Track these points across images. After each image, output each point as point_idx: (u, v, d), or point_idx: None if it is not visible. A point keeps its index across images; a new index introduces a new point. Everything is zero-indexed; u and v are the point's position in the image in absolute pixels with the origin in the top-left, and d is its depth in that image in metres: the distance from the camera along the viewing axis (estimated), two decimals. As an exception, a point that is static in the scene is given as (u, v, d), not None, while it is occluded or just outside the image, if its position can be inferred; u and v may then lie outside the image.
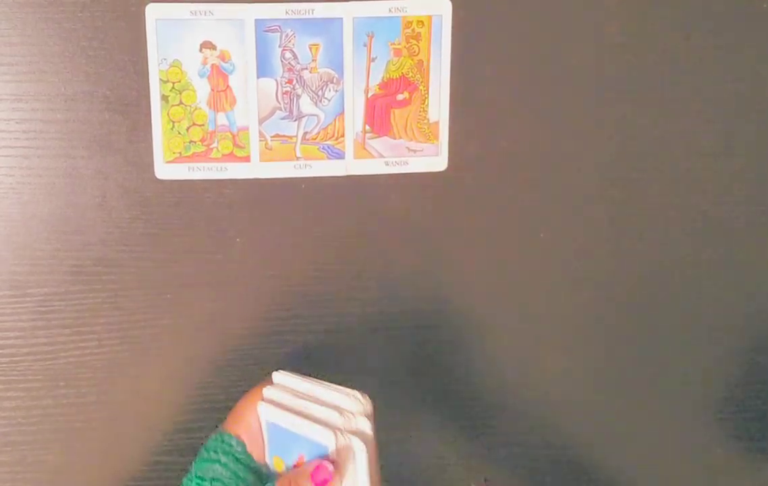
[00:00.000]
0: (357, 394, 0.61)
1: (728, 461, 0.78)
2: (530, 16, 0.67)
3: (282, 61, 0.65)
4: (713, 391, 0.76)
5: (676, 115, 0.70)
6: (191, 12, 0.64)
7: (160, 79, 0.64)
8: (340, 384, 0.73)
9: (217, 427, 0.63)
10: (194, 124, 0.65)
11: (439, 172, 0.69)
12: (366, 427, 0.60)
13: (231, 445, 0.61)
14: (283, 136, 0.66)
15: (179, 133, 0.65)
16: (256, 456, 0.61)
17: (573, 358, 0.75)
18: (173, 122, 0.65)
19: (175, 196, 0.68)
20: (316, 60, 0.65)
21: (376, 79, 0.66)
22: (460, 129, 0.68)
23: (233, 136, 0.66)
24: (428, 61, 0.66)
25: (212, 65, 0.65)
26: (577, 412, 0.76)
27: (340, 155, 0.67)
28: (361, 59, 0.65)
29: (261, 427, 0.61)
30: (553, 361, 0.74)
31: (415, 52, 0.65)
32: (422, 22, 0.65)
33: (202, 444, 0.62)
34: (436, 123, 0.67)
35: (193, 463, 0.62)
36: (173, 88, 0.65)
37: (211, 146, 0.66)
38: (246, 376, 0.71)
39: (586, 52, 0.68)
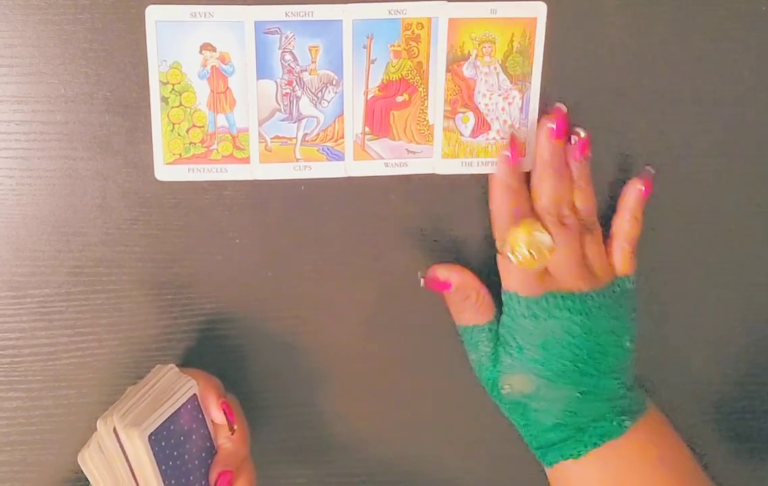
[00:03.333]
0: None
1: (728, 461, 0.78)
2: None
3: (282, 62, 0.65)
4: (713, 391, 0.76)
5: (676, 115, 0.70)
6: (191, 14, 0.64)
7: (160, 81, 0.64)
8: (339, 384, 0.73)
9: None
10: (194, 125, 0.66)
11: (439, 174, 0.69)
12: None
13: None
14: (283, 137, 0.66)
15: (179, 134, 0.65)
16: None
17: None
18: (173, 124, 0.65)
19: (175, 197, 0.68)
20: (315, 62, 0.65)
21: (376, 80, 0.66)
22: (460, 130, 0.68)
23: (233, 138, 0.66)
24: (427, 63, 0.66)
25: (212, 67, 0.65)
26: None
27: (339, 157, 0.67)
28: (361, 61, 0.65)
29: None
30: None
31: (414, 54, 0.65)
32: (422, 24, 0.65)
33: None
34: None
35: None
36: (173, 89, 0.65)
37: (211, 148, 0.66)
38: (246, 376, 0.71)
39: (585, 52, 0.68)
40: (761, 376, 0.76)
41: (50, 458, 0.71)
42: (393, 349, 0.73)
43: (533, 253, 0.63)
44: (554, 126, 0.66)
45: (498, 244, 0.67)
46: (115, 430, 0.60)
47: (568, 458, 0.66)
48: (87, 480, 0.62)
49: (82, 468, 0.62)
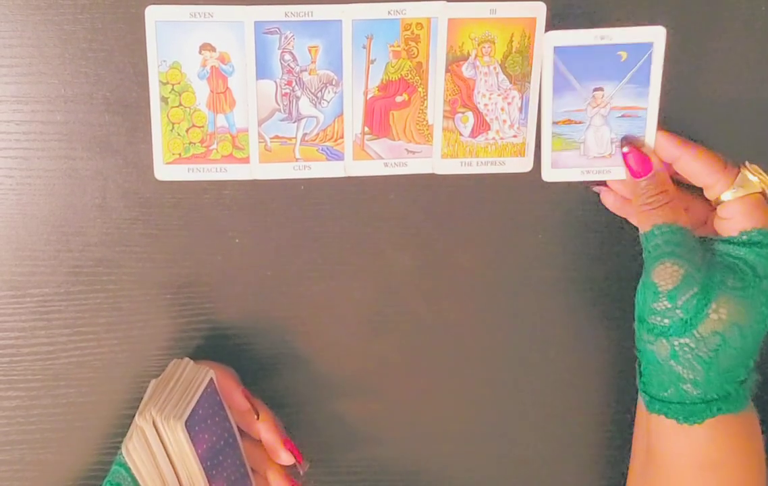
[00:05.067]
0: None
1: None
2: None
3: (281, 63, 0.65)
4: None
5: (676, 115, 0.70)
6: (191, 14, 0.64)
7: (160, 81, 0.64)
8: (339, 384, 0.73)
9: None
10: (194, 125, 0.66)
11: (438, 174, 0.69)
12: None
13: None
14: (283, 137, 0.66)
15: (179, 134, 0.65)
16: None
17: (572, 358, 0.75)
18: (173, 124, 0.65)
19: (175, 197, 0.68)
20: (315, 62, 0.65)
21: (375, 81, 0.66)
22: (459, 130, 0.68)
23: (232, 138, 0.66)
24: (427, 63, 0.66)
25: (212, 67, 0.65)
26: (576, 410, 0.76)
27: (339, 157, 0.67)
28: (361, 61, 0.65)
29: None
30: (552, 360, 0.75)
31: (414, 54, 0.66)
32: (421, 24, 0.65)
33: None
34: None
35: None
36: (173, 89, 0.65)
37: (211, 148, 0.66)
38: (245, 376, 0.71)
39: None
40: (761, 375, 0.76)
41: (49, 457, 0.71)
42: (393, 348, 0.73)
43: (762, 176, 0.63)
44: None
45: (725, 192, 0.63)
46: (154, 422, 0.62)
47: (731, 412, 0.62)
48: (96, 479, 0.63)
49: (126, 459, 0.63)
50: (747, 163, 0.63)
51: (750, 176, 0.63)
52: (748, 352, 0.62)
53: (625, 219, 0.70)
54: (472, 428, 0.75)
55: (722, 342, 0.61)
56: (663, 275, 0.61)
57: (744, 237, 0.62)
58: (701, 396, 0.62)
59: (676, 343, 0.61)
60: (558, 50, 0.65)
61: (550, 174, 0.68)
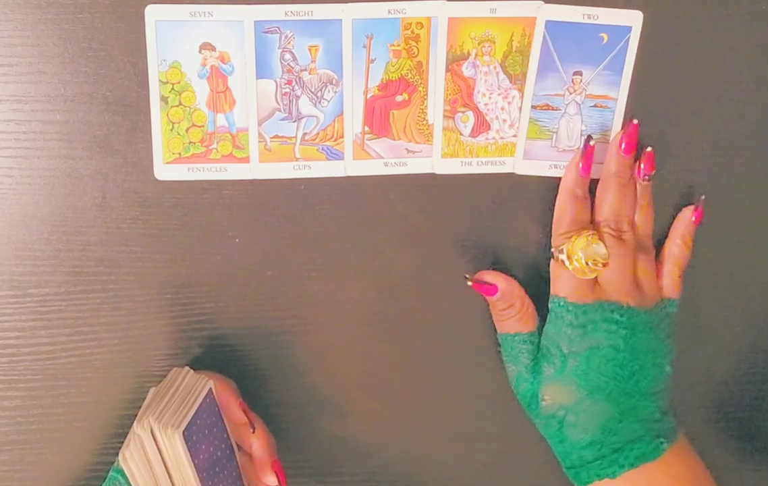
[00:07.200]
0: None
1: (729, 462, 0.78)
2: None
3: (281, 62, 0.65)
4: (713, 391, 0.76)
5: (676, 115, 0.70)
6: (191, 13, 0.64)
7: (160, 81, 0.64)
8: (339, 384, 0.73)
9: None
10: (193, 125, 0.66)
11: (438, 174, 0.69)
12: None
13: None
14: (283, 137, 0.67)
15: (178, 134, 0.65)
16: None
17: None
18: (173, 123, 0.65)
19: (175, 196, 0.68)
20: (315, 61, 0.65)
21: (376, 80, 0.66)
22: (460, 130, 0.68)
23: (232, 137, 0.66)
24: (427, 62, 0.66)
25: (212, 66, 0.65)
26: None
27: (339, 156, 0.67)
28: (361, 60, 0.65)
29: None
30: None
31: (414, 53, 0.66)
32: (421, 23, 0.65)
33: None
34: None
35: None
36: (173, 89, 0.65)
37: (211, 147, 0.66)
38: (245, 376, 0.71)
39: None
40: (761, 375, 0.76)
41: (49, 457, 0.71)
42: (393, 348, 0.73)
43: (589, 263, 0.64)
44: (625, 140, 0.66)
45: (554, 248, 0.67)
46: (152, 430, 0.62)
47: (603, 478, 0.65)
48: (96, 480, 0.63)
49: (123, 466, 0.63)
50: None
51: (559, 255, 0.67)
52: (592, 426, 0.66)
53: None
54: (472, 428, 0.75)
55: (560, 422, 0.67)
56: (508, 371, 0.70)
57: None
58: (567, 465, 0.68)
59: (535, 421, 0.69)
60: (548, 24, 0.65)
61: (521, 166, 0.68)
